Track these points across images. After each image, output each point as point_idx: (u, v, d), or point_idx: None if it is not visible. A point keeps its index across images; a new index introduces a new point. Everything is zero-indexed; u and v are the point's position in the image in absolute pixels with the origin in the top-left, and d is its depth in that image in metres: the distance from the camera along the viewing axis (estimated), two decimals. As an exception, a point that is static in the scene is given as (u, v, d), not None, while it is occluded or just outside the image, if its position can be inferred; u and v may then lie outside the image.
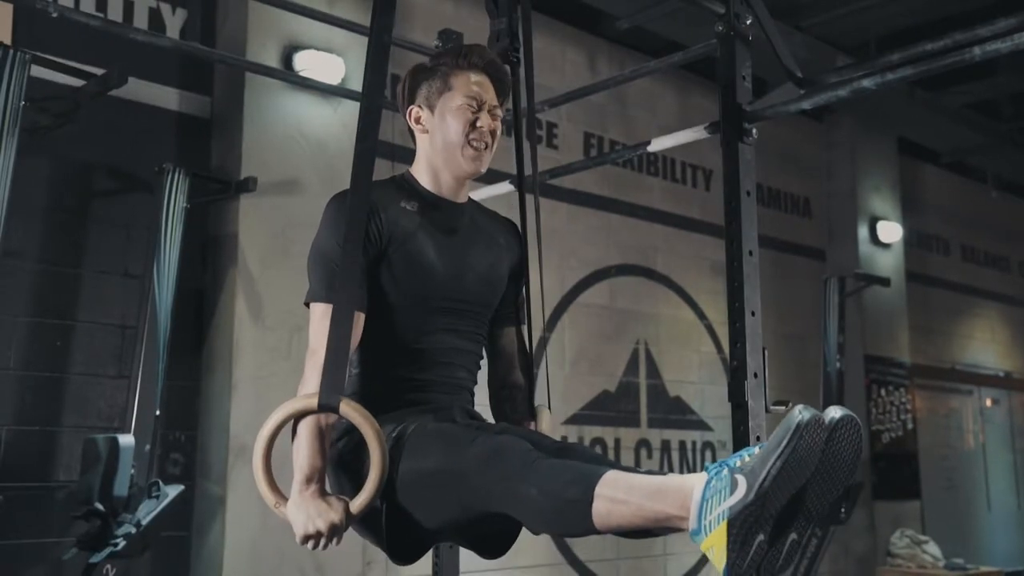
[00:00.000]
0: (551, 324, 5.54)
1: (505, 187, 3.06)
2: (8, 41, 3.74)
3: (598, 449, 5.59)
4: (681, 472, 6.11)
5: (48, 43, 3.63)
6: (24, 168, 3.26)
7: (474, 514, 1.69)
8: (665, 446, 6.16)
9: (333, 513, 1.70)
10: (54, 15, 2.59)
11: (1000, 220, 9.44)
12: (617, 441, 5.86)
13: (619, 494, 1.48)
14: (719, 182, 3.49)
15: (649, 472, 1.54)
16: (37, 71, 3.35)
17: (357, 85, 4.33)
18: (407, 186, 2.02)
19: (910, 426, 7.57)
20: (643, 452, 6.00)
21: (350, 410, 1.71)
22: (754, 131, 2.46)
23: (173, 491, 3.68)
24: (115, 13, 4.24)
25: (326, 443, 1.75)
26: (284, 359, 4.26)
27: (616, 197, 6.10)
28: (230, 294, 4.25)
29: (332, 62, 4.48)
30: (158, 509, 3.58)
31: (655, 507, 1.47)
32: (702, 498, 1.42)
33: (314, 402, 1.70)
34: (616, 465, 1.59)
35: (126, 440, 3.50)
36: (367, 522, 1.79)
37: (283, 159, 4.41)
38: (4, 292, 3.78)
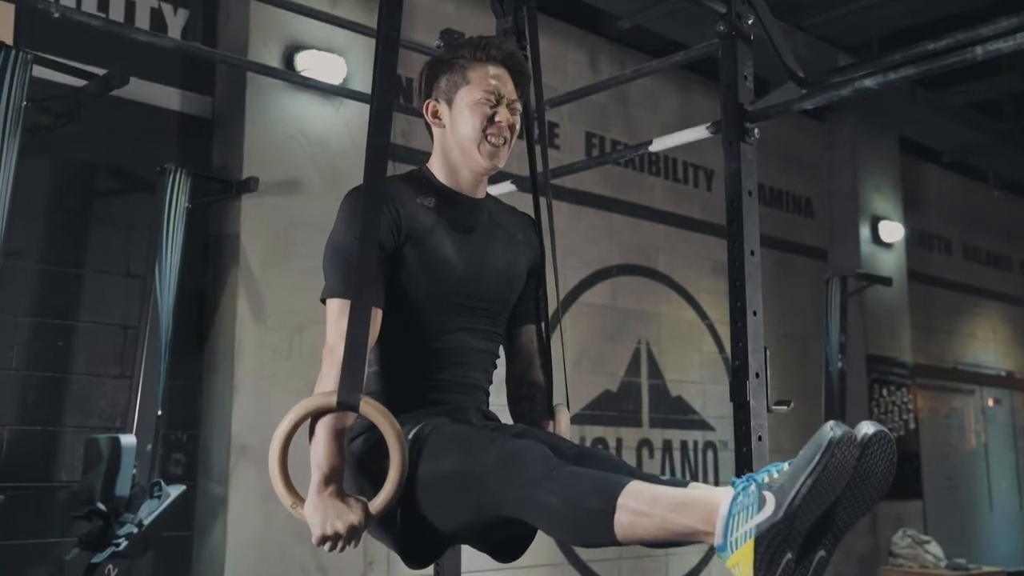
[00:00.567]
0: (553, 323, 5.53)
1: (507, 187, 3.06)
2: (10, 41, 3.75)
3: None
4: (683, 473, 6.15)
5: (50, 43, 3.63)
6: (26, 168, 3.26)
7: (491, 518, 1.66)
8: (667, 446, 6.16)
9: (352, 514, 1.65)
10: (56, 15, 2.58)
11: (1002, 219, 9.44)
12: (619, 441, 5.86)
13: (642, 506, 1.45)
14: (721, 182, 3.48)
15: (672, 482, 1.51)
16: (39, 71, 3.36)
17: (359, 85, 4.37)
18: (424, 181, 1.97)
19: (912, 426, 7.57)
20: (645, 452, 6.00)
21: (371, 409, 1.66)
22: (756, 131, 2.46)
23: (175, 491, 3.68)
24: (117, 13, 4.25)
25: (345, 442, 1.71)
26: (286, 359, 4.26)
27: (618, 197, 6.10)
28: (232, 294, 4.25)
29: (334, 62, 4.48)
30: (160, 509, 3.58)
31: (679, 520, 1.43)
32: (728, 513, 1.39)
33: (333, 400, 1.66)
34: (638, 473, 1.56)
35: (128, 440, 3.50)
36: (382, 524, 1.75)
37: (284, 159, 4.41)
38: (6, 292, 3.78)
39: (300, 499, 1.72)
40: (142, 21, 4.32)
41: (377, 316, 1.78)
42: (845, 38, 6.46)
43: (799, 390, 6.35)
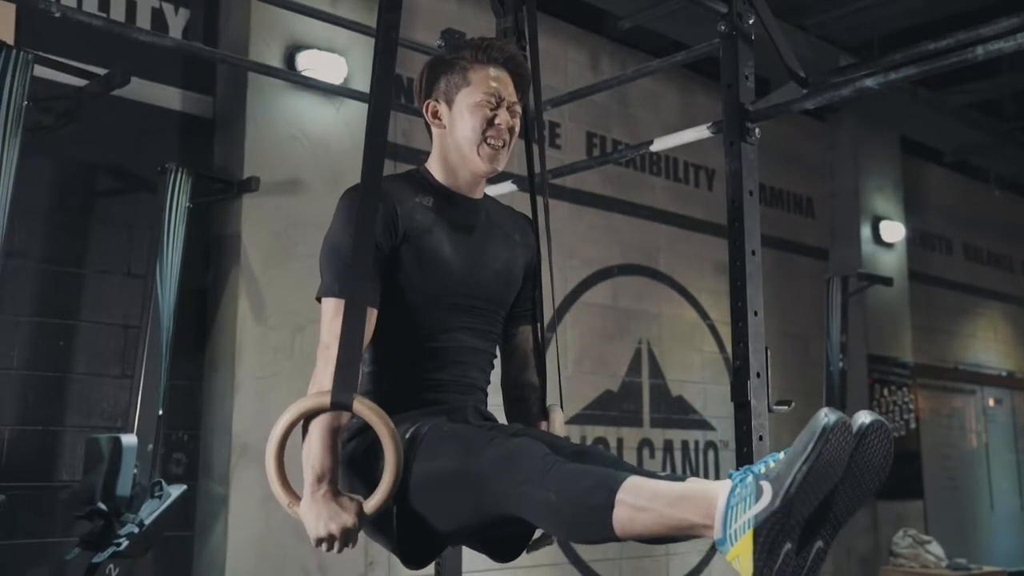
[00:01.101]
0: (552, 324, 5.53)
1: (507, 187, 3.06)
2: (11, 41, 3.74)
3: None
4: (684, 472, 6.15)
5: (51, 43, 3.63)
6: (27, 168, 3.26)
7: (489, 517, 1.65)
8: (668, 446, 6.16)
9: (346, 515, 1.65)
10: (57, 15, 2.59)
11: (1003, 219, 9.44)
12: (620, 441, 5.86)
13: (641, 501, 1.45)
14: (722, 182, 3.48)
15: (671, 477, 1.51)
16: (40, 71, 3.36)
17: (359, 85, 4.37)
18: (422, 181, 1.97)
19: (913, 426, 7.57)
20: (645, 452, 6.00)
21: (364, 408, 1.65)
22: (757, 131, 2.46)
23: (176, 491, 3.68)
24: (118, 13, 4.25)
25: (339, 442, 1.71)
26: (287, 359, 4.26)
27: (619, 197, 6.10)
28: (232, 294, 4.25)
29: (335, 62, 4.48)
30: (161, 509, 3.58)
31: (678, 515, 1.43)
32: (727, 506, 1.39)
33: (327, 400, 1.65)
34: (636, 470, 1.55)
35: (129, 440, 3.51)
36: (378, 524, 1.74)
37: (285, 159, 4.41)
38: (7, 292, 3.78)
39: (297, 499, 1.71)
40: (143, 21, 4.33)
41: (372, 315, 1.77)
42: (846, 38, 6.46)
43: (800, 390, 6.36)
